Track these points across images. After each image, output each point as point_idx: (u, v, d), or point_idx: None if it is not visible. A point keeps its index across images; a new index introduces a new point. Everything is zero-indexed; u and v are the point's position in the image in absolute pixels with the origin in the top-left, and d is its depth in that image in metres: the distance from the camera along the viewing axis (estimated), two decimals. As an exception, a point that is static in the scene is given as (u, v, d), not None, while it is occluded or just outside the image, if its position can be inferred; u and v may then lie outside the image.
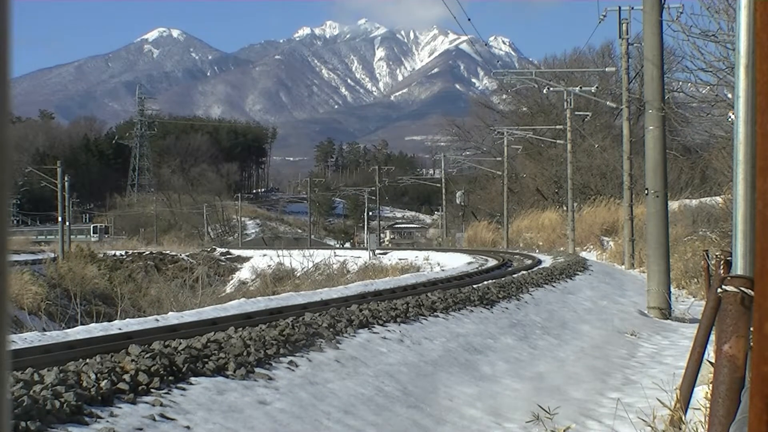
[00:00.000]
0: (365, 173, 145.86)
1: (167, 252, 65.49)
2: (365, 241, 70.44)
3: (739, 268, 4.22)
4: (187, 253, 64.48)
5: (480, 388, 9.15)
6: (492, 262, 31.13)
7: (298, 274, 48.60)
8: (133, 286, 41.38)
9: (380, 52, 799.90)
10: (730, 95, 15.12)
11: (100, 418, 5.67)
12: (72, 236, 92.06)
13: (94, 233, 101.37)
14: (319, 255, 54.45)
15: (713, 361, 4.37)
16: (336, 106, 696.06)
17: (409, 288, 17.86)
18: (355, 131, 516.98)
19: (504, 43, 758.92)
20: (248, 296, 22.46)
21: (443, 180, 76.02)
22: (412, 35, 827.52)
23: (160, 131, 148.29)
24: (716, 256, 4.87)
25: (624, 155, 32.29)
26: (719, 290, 4.31)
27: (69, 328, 13.54)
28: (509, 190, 58.47)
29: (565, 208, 46.51)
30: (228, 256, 68.54)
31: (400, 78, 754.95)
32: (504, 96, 79.26)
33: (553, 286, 18.68)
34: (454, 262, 36.87)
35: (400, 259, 47.63)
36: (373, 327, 10.48)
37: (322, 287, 25.10)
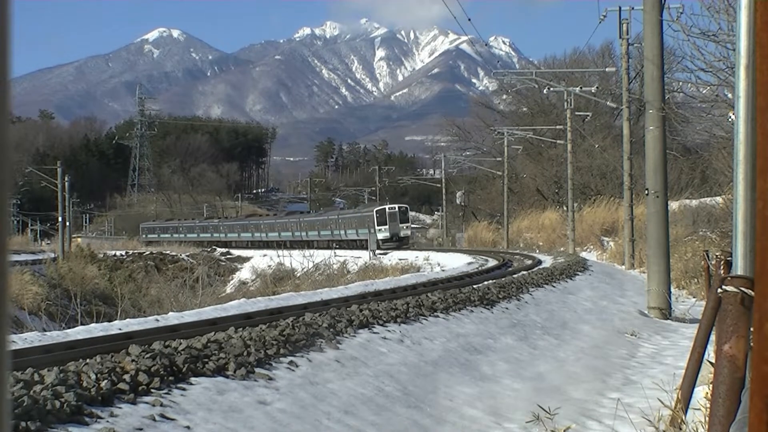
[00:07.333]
0: (365, 173, 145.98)
1: (167, 252, 65.49)
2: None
3: (739, 268, 4.22)
4: (187, 253, 64.46)
5: (480, 388, 9.15)
6: (492, 263, 31.13)
7: (299, 274, 48.56)
8: (134, 286, 41.37)
9: (380, 52, 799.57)
10: (730, 95, 15.11)
11: (100, 418, 5.67)
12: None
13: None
14: (320, 255, 54.42)
15: (713, 361, 4.37)
16: (336, 107, 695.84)
17: (410, 288, 17.86)
18: (355, 131, 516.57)
19: (504, 43, 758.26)
20: (248, 296, 22.48)
21: (443, 180, 75.98)
22: (412, 35, 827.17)
23: (160, 131, 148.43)
24: (716, 256, 4.87)
25: (624, 155, 32.28)
26: (719, 290, 4.32)
27: (69, 328, 13.55)
28: (509, 191, 58.46)
29: (565, 208, 46.50)
30: (228, 256, 68.55)
31: (400, 78, 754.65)
32: (504, 96, 79.24)
33: (553, 287, 18.68)
34: (455, 263, 36.86)
35: (400, 260, 47.59)
36: (374, 327, 10.47)
37: (323, 287, 25.10)
